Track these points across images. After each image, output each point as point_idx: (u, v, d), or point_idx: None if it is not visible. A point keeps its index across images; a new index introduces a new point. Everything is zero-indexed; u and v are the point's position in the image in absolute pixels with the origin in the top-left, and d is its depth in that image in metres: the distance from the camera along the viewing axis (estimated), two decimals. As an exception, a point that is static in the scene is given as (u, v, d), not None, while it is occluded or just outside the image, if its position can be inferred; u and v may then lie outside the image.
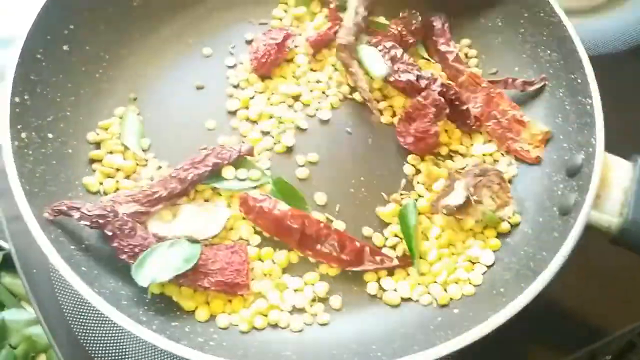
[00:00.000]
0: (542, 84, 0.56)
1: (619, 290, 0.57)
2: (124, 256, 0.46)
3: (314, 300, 0.49)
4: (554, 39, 0.55)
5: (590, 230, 0.46)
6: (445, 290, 0.49)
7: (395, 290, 0.49)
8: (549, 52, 0.56)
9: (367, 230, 0.52)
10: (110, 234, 0.46)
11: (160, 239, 0.48)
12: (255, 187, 0.52)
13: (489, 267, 0.50)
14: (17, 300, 0.76)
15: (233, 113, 0.57)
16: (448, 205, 0.49)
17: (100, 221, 0.46)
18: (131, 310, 0.43)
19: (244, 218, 0.51)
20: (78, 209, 0.46)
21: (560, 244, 0.44)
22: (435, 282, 0.50)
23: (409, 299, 0.49)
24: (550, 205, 0.50)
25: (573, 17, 0.54)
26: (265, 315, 0.48)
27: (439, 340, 0.42)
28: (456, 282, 0.50)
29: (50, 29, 0.52)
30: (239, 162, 0.52)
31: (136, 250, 0.46)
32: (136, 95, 0.57)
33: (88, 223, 0.46)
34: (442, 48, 0.60)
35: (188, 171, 0.51)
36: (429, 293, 0.49)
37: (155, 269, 0.45)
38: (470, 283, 0.50)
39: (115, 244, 0.47)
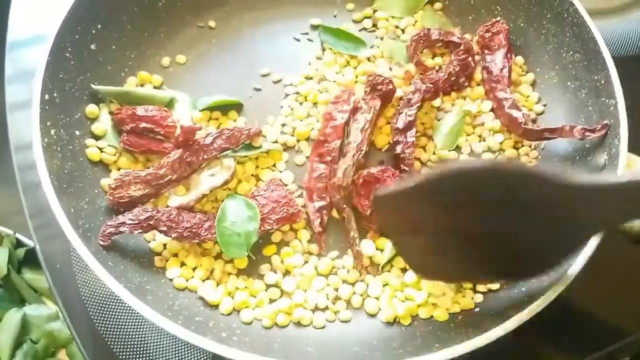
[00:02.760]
0: (605, 131, 0.50)
1: (638, 291, 0.56)
2: (188, 241, 0.48)
3: (336, 298, 0.49)
4: (577, 40, 0.54)
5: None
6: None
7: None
8: (571, 52, 0.55)
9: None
10: (165, 229, 0.47)
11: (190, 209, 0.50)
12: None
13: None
14: (38, 296, 0.77)
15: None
16: None
17: (151, 222, 0.47)
18: (157, 305, 0.43)
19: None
20: (123, 223, 0.47)
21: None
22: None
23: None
24: (572, 206, 0.50)
25: (597, 18, 0.54)
26: (289, 314, 0.48)
27: (460, 338, 0.43)
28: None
29: (78, 29, 0.53)
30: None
31: (193, 229, 0.48)
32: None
33: (140, 230, 0.47)
34: (500, 95, 0.57)
35: (197, 155, 0.51)
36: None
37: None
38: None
39: (174, 235, 0.47)
